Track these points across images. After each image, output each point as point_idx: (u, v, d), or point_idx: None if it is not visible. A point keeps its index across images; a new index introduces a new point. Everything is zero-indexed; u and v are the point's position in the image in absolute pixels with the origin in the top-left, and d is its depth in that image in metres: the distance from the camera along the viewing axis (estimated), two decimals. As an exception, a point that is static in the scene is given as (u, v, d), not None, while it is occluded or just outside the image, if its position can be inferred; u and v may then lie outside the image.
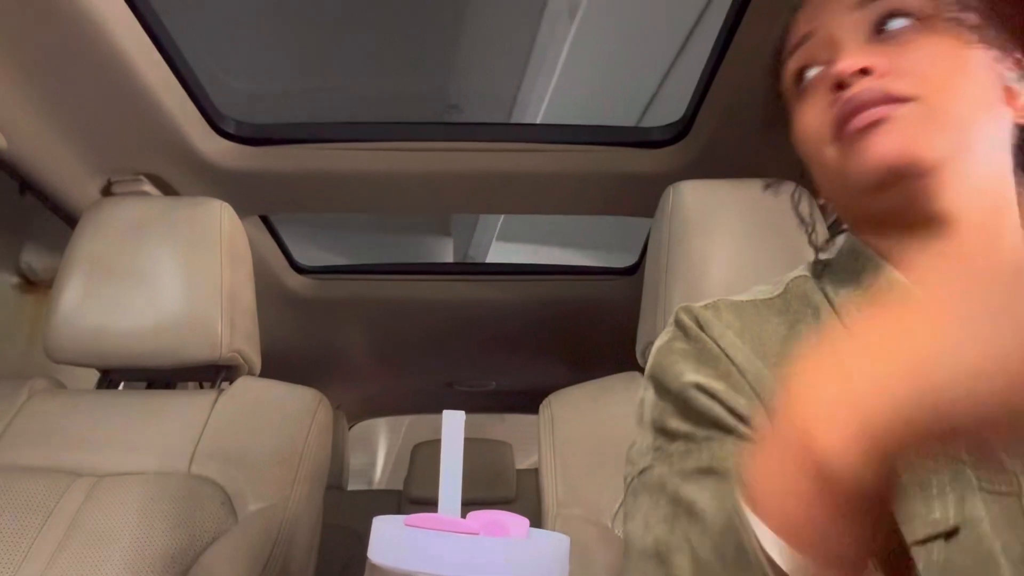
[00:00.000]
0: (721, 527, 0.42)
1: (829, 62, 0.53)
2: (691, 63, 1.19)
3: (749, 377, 0.51)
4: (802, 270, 0.61)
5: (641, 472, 0.51)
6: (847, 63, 0.50)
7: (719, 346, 0.53)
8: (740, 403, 0.49)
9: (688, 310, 0.57)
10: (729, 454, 0.47)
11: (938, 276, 0.30)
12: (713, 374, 0.51)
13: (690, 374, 0.52)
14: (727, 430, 0.48)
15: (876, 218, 0.53)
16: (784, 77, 0.59)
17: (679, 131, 1.30)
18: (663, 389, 0.53)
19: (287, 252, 1.85)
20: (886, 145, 0.48)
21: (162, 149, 1.27)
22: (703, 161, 1.29)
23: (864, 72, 0.49)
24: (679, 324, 0.56)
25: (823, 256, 0.64)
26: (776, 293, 0.58)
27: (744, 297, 0.58)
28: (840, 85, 0.50)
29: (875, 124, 0.48)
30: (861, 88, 0.49)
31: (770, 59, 0.62)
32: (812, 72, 0.55)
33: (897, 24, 0.51)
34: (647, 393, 0.55)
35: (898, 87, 0.49)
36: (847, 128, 0.50)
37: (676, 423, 0.51)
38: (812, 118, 0.54)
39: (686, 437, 0.49)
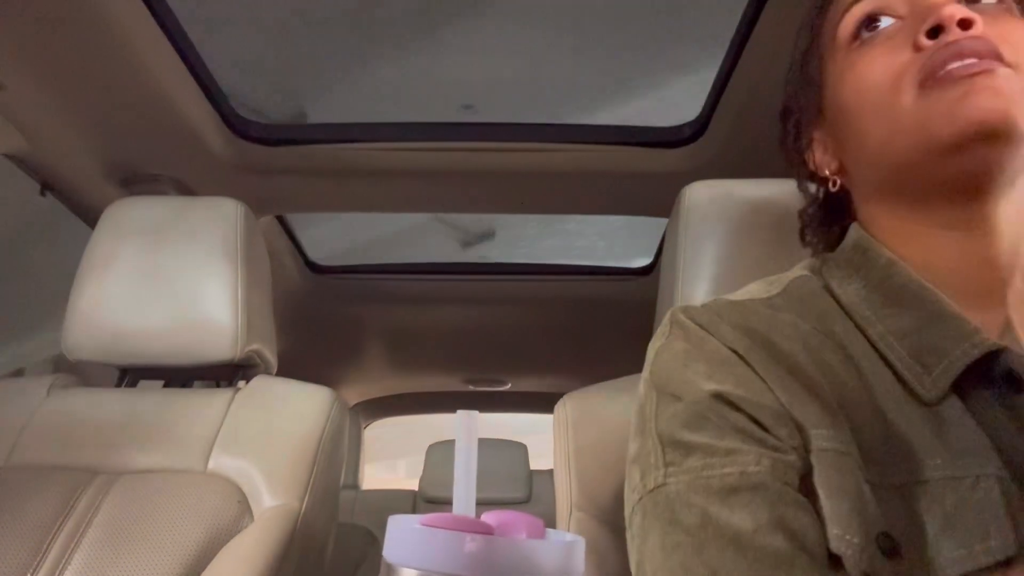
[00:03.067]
0: (758, 551, 0.41)
1: (912, 15, 0.50)
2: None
3: (772, 383, 0.47)
4: (801, 269, 0.59)
5: (652, 490, 0.48)
6: (955, 9, 0.47)
7: (733, 350, 0.50)
8: (765, 411, 0.46)
9: (685, 311, 0.54)
10: (758, 467, 0.44)
11: None
12: (731, 380, 0.48)
13: (704, 381, 0.48)
14: (753, 441, 0.45)
15: (927, 183, 0.49)
16: (832, 29, 0.56)
17: (695, 131, 1.29)
18: (670, 396, 0.50)
19: (302, 251, 1.86)
20: (989, 99, 0.45)
21: (180, 150, 1.28)
22: (719, 161, 1.28)
23: (964, 26, 0.47)
24: (677, 324, 0.53)
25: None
26: (775, 292, 0.56)
27: (740, 297, 0.56)
28: (937, 31, 0.48)
29: (980, 75, 0.45)
30: (967, 36, 0.46)
31: (811, 13, 0.59)
32: (886, 23, 0.52)
33: None
34: (649, 400, 0.52)
35: (1003, 49, 0.46)
36: (944, 73, 0.46)
37: (690, 435, 0.47)
38: (882, 66, 0.50)
39: (705, 450, 0.46)
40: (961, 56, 0.46)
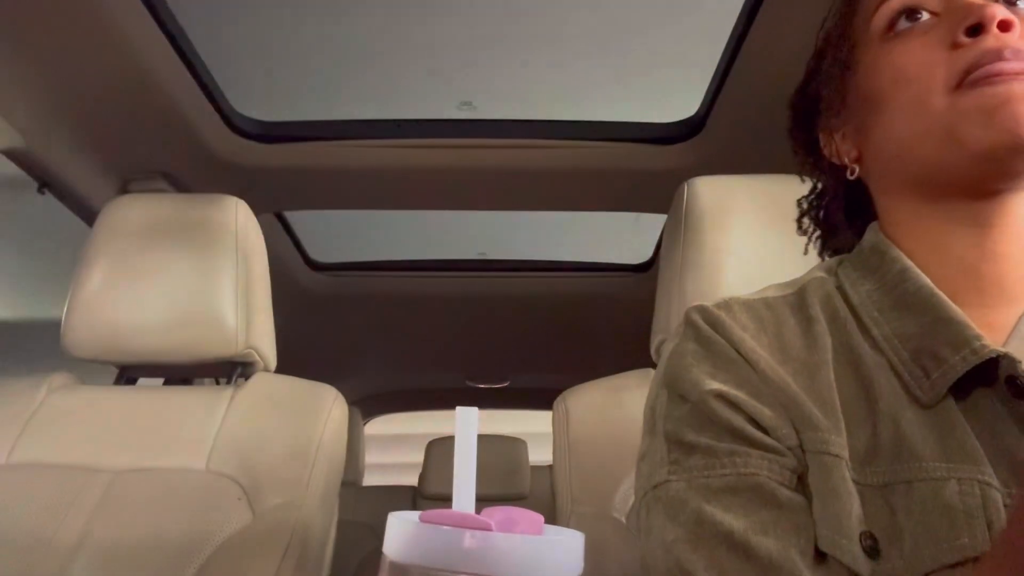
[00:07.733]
0: (745, 549, 0.42)
1: (948, 13, 0.49)
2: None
3: (772, 386, 0.49)
4: (818, 270, 0.59)
5: (656, 486, 0.49)
6: (996, 9, 0.46)
7: (738, 351, 0.51)
8: (764, 413, 0.47)
9: (700, 310, 0.55)
10: (755, 469, 0.46)
11: None
12: (733, 381, 0.49)
13: (708, 381, 0.49)
14: (751, 443, 0.47)
15: (948, 183, 0.49)
16: (866, 18, 0.55)
17: (693, 127, 1.29)
18: (678, 397, 0.51)
19: (302, 248, 1.86)
20: None
21: (178, 147, 1.27)
22: (717, 157, 1.28)
23: (1004, 27, 0.46)
24: (690, 324, 0.54)
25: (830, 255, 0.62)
26: (789, 292, 0.56)
27: (757, 296, 0.56)
28: (977, 30, 0.47)
29: (1017, 81, 0.45)
30: (1009, 40, 0.46)
31: (840, 2, 0.59)
32: (923, 17, 0.51)
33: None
34: (660, 399, 0.53)
35: None
36: (980, 74, 0.46)
37: (693, 435, 0.48)
38: (919, 59, 0.50)
39: (705, 451, 0.47)
40: (1000, 59, 0.45)
